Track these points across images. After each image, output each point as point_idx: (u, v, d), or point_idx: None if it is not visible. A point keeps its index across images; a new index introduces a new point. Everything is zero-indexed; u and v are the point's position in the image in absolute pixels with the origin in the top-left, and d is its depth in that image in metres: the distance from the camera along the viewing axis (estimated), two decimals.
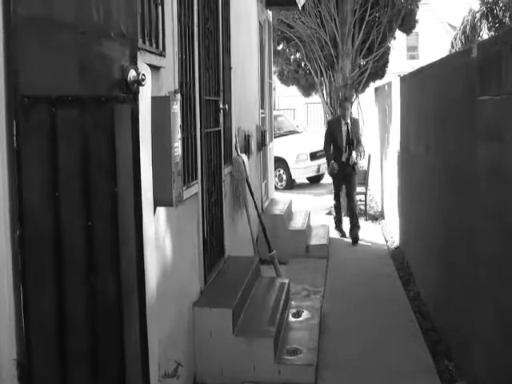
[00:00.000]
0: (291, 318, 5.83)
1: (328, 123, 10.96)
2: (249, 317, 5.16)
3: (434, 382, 4.85)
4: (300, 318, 5.84)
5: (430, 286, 6.52)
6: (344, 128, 10.16)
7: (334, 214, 10.87)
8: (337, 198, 10.58)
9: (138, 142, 2.70)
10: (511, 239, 3.65)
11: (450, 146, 5.40)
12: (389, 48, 14.10)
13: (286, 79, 14.70)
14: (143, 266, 2.76)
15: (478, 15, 19.26)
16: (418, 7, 14.32)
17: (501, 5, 17.89)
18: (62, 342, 2.16)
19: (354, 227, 10.20)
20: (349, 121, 10.19)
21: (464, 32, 21.89)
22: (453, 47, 22.73)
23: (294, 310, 6.03)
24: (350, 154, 10.07)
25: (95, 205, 2.39)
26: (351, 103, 10.74)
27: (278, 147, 15.32)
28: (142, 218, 2.74)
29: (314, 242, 9.35)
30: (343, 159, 10.09)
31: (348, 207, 10.56)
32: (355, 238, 10.11)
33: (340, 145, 10.07)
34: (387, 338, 5.75)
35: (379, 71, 14.13)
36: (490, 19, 18.34)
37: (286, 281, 6.38)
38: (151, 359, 2.96)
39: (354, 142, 10.14)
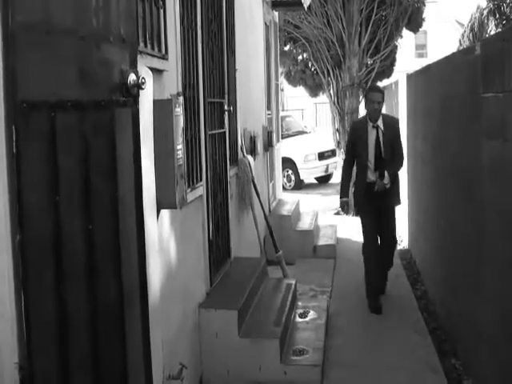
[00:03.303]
0: (298, 319, 5.84)
1: (351, 127, 7.39)
2: (255, 318, 5.18)
3: (441, 380, 4.84)
4: (307, 319, 5.84)
5: (437, 284, 6.51)
6: (372, 134, 6.61)
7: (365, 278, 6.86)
8: (368, 246, 6.73)
9: (139, 145, 2.72)
10: None
11: (455, 144, 5.39)
12: (396, 47, 14.07)
13: (293, 80, 14.69)
14: (145, 268, 2.77)
15: (485, 12, 19.24)
16: (424, 5, 14.30)
17: (508, 1, 17.85)
18: (64, 345, 2.18)
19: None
20: (380, 123, 6.62)
21: (472, 29, 21.85)
22: (461, 45, 22.67)
23: (300, 311, 6.04)
24: (382, 173, 6.49)
25: (96, 209, 2.40)
26: (383, 94, 6.77)
27: (286, 148, 15.35)
28: (143, 221, 2.76)
29: (321, 242, 9.35)
30: (369, 179, 6.61)
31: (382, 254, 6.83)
32: (375, 307, 6.58)
33: (363, 158, 6.63)
34: (394, 338, 5.74)
35: (386, 70, 14.10)
36: (498, 16, 18.30)
37: (293, 281, 6.39)
38: (155, 362, 2.98)
39: (386, 156, 6.59)
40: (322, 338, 5.37)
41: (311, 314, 5.95)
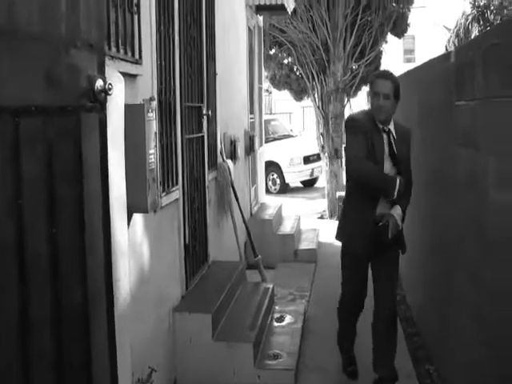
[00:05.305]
0: (274, 323, 5.86)
1: (354, 120, 4.72)
2: (230, 322, 5.19)
3: None
4: (283, 323, 5.87)
5: (414, 290, 6.55)
6: (384, 140, 4.55)
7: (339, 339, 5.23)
8: (350, 306, 5.03)
9: (106, 150, 2.73)
10: (485, 246, 3.68)
11: (433, 152, 5.43)
12: (381, 52, 14.14)
13: (277, 83, 14.73)
14: (111, 272, 2.78)
15: (470, 18, 19.45)
16: (409, 11, 14.37)
17: (492, 8, 18.06)
18: (25, 349, 2.19)
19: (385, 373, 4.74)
20: (392, 127, 4.61)
21: (457, 35, 21.97)
22: (446, 50, 22.82)
23: (277, 315, 6.06)
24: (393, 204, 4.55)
25: (60, 213, 2.41)
26: (394, 85, 4.49)
27: (271, 151, 15.43)
28: (109, 226, 2.77)
29: (302, 246, 9.37)
30: (377, 214, 4.53)
31: (377, 332, 4.80)
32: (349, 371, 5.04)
33: None
34: (370, 343, 5.75)
35: (371, 75, 14.16)
36: (481, 22, 18.51)
37: (270, 286, 6.41)
38: (123, 366, 2.99)
39: (403, 176, 4.55)
40: (297, 342, 5.39)
41: (288, 319, 5.98)
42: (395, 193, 4.42)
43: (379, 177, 4.49)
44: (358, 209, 4.59)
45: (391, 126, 4.60)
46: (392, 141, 4.55)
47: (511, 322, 3.17)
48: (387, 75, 4.59)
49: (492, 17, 18.36)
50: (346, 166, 4.67)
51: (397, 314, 4.87)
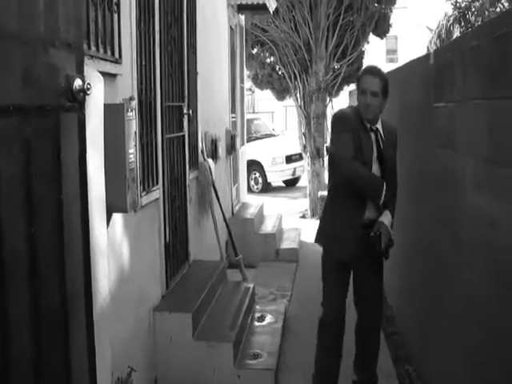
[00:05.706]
0: (255, 322, 5.87)
1: (341, 116, 4.44)
2: (210, 321, 5.19)
3: None
4: (263, 322, 5.88)
5: (395, 290, 6.57)
6: (372, 140, 4.35)
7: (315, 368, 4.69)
8: (331, 316, 4.55)
9: (85, 150, 2.72)
10: (462, 249, 3.70)
11: (413, 153, 5.45)
12: (363, 52, 14.20)
13: (260, 83, 14.75)
14: (90, 272, 2.77)
15: (451, 19, 19.59)
16: (391, 11, 14.43)
17: (473, 9, 18.20)
18: (4, 352, 2.17)
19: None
20: (380, 126, 4.41)
21: (439, 36, 22.10)
22: (428, 51, 22.92)
23: (258, 314, 6.08)
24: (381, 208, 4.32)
25: (38, 213, 2.40)
26: (383, 82, 4.33)
27: (253, 150, 15.44)
28: (88, 226, 2.76)
29: (284, 245, 9.39)
30: (365, 218, 4.33)
31: (360, 339, 4.72)
32: None
33: None
34: (350, 342, 5.77)
35: (353, 75, 14.19)
36: (463, 24, 18.65)
37: (251, 285, 6.42)
38: (103, 366, 2.97)
39: (388, 180, 4.36)
40: (277, 342, 5.41)
41: (268, 318, 5.99)
42: (382, 198, 4.23)
43: (368, 179, 4.29)
44: (345, 211, 4.35)
45: (379, 125, 4.39)
46: (380, 140, 4.35)
47: (490, 328, 3.19)
48: (375, 71, 4.38)
49: (473, 18, 18.50)
50: (332, 165, 4.44)
51: (380, 325, 4.76)
